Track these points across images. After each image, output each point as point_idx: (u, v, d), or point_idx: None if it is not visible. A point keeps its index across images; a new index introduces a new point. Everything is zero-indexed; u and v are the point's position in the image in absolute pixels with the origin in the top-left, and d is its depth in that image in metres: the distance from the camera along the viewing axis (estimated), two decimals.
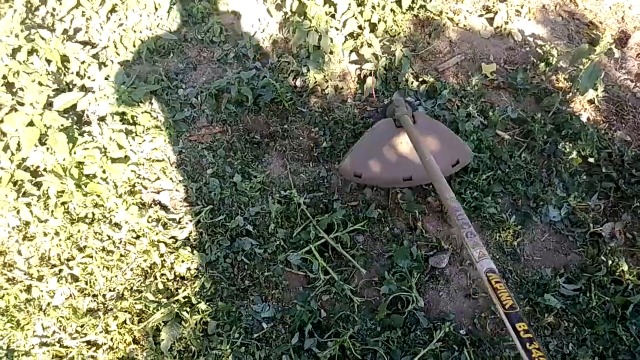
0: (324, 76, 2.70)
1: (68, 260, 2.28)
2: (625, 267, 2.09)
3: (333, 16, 2.79)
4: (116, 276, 2.24)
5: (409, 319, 2.05)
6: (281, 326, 2.09)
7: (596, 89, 2.56)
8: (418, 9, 2.92)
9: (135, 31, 2.90)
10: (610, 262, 2.12)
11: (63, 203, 2.34)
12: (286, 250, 2.24)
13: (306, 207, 2.33)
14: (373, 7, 2.76)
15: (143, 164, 2.54)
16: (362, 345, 1.99)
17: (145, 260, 2.26)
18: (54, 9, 3.13)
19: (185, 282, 2.22)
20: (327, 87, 2.73)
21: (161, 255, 2.27)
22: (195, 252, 2.28)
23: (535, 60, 2.80)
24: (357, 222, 2.29)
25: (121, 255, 2.28)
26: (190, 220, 2.39)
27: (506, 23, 2.94)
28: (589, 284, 2.08)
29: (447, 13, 2.96)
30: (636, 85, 2.66)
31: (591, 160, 2.38)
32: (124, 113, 2.58)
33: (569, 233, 2.25)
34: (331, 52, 2.78)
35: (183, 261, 2.26)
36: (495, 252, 2.23)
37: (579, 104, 2.60)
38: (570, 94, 2.59)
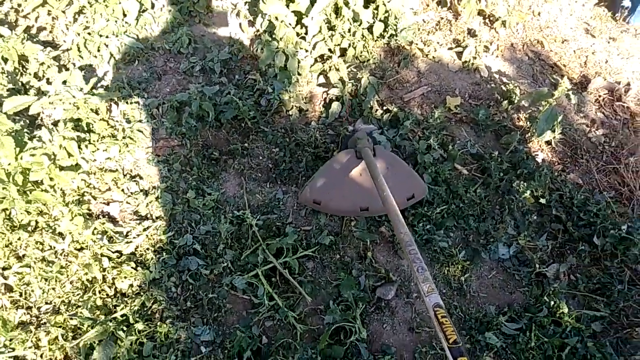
0: (289, 97, 2.68)
1: (4, 269, 2.18)
2: (566, 310, 2.11)
3: (304, 38, 2.78)
4: (54, 289, 2.16)
5: (350, 350, 2.02)
6: (220, 351, 2.03)
7: (554, 131, 2.61)
8: (389, 37, 2.94)
9: (100, 35, 2.84)
10: (552, 303, 2.14)
11: (4, 209, 2.25)
12: (233, 273, 2.20)
13: (258, 229, 2.30)
14: (343, 32, 2.76)
15: (95, 173, 2.47)
16: None
17: (86, 274, 2.18)
18: (19, 5, 3.05)
19: (126, 299, 2.15)
20: (292, 108, 2.71)
21: (103, 270, 2.20)
22: (139, 268, 2.21)
23: (499, 97, 2.85)
24: (309, 248, 2.27)
25: (61, 267, 2.20)
26: (138, 235, 2.32)
27: (474, 58, 2.98)
28: (530, 324, 2.09)
29: (417, 44, 2.99)
30: (591, 129, 2.72)
31: (543, 201, 2.42)
32: (79, 119, 2.51)
33: (516, 272, 2.27)
34: (299, 74, 2.78)
35: (125, 277, 2.19)
36: (443, 286, 2.23)
37: (536, 144, 2.64)
38: (529, 133, 2.64)
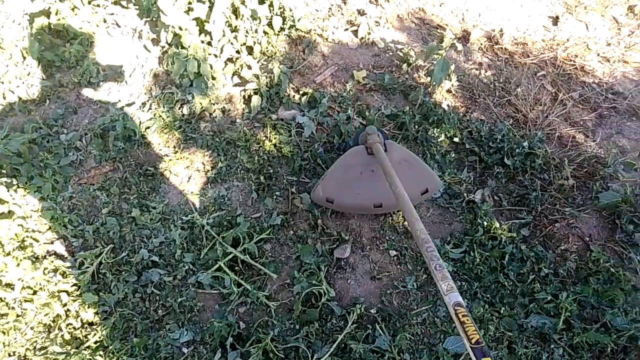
0: (209, 101, 2.79)
1: None
2: (497, 225, 2.41)
3: (210, 44, 2.91)
4: (15, 339, 2.10)
5: (324, 311, 2.17)
6: (202, 347, 2.09)
7: (450, 80, 2.94)
8: (289, 29, 3.14)
9: (3, 82, 2.78)
10: (485, 223, 2.43)
11: None
12: (196, 273, 2.26)
13: (211, 228, 2.38)
14: (246, 32, 2.92)
15: (31, 216, 2.42)
16: (283, 345, 2.06)
17: (46, 315, 2.15)
18: None
19: (95, 326, 2.14)
20: (215, 110, 2.82)
21: (64, 305, 2.17)
22: (101, 293, 2.21)
23: (398, 63, 3.14)
24: (263, 232, 2.39)
25: (18, 316, 2.15)
26: (92, 264, 2.31)
27: (369, 34, 3.27)
28: (471, 245, 2.36)
29: (315, 30, 3.22)
30: (481, 72, 3.10)
31: (456, 140, 2.72)
32: (1, 167, 2.45)
33: (449, 205, 2.54)
34: (213, 78, 2.89)
35: (89, 306, 2.18)
36: (390, 233, 2.44)
37: (439, 94, 2.96)
38: (431, 87, 2.96)
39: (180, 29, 2.68)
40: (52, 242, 2.39)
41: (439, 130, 2.73)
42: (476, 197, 2.54)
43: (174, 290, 2.24)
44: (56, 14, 2.94)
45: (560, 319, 2.13)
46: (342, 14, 3.44)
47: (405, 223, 2.47)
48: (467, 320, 1.20)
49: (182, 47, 2.75)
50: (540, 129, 2.82)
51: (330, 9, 3.46)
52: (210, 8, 2.70)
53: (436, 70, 2.71)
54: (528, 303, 2.22)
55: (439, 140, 2.72)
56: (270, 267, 2.29)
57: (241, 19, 2.85)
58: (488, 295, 2.23)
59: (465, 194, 2.54)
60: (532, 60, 3.22)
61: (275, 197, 2.54)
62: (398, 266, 2.35)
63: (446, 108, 2.88)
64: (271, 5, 3.00)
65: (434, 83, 2.81)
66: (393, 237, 2.44)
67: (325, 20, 3.39)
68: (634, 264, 2.31)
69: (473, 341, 1.15)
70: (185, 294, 2.22)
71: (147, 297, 2.22)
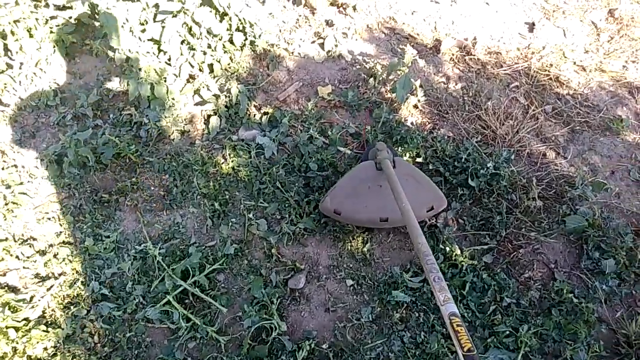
0: (167, 122, 2.72)
1: None
2: (459, 251, 2.32)
3: (169, 63, 2.83)
4: None
5: (274, 346, 2.11)
6: None
7: (417, 95, 2.84)
8: (251, 44, 3.05)
9: None
10: (447, 249, 2.35)
11: None
12: (146, 306, 2.21)
13: (162, 258, 2.32)
14: (204, 50, 2.84)
15: None
16: None
17: None
18: None
19: None
20: (173, 132, 2.75)
21: (12, 342, 2.13)
22: (50, 329, 2.18)
23: (365, 77, 3.04)
24: (216, 262, 2.33)
25: None
26: (43, 297, 2.27)
27: (336, 46, 3.17)
28: None
29: (279, 44, 3.13)
30: (449, 86, 2.99)
31: (420, 159, 2.63)
32: None
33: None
34: (173, 98, 2.82)
35: (37, 342, 2.14)
36: (349, 261, 2.37)
37: (405, 110, 2.86)
38: (396, 103, 2.86)
39: (130, 51, 2.60)
40: (4, 274, 2.36)
41: (402, 149, 2.64)
42: (439, 221, 2.45)
43: (123, 325, 2.19)
44: (12, 34, 2.87)
45: (519, 354, 2.05)
46: (310, 26, 3.33)
47: (365, 249, 2.39)
48: (461, 329, 1.29)
49: (136, 69, 2.67)
50: (509, 146, 2.72)
51: (297, 20, 3.36)
52: (163, 28, 2.62)
53: (398, 87, 2.61)
54: (487, 336, 2.14)
55: (402, 159, 2.62)
56: (222, 300, 2.24)
57: (197, 38, 2.76)
58: (445, 329, 2.16)
59: (427, 218, 2.45)
60: (505, 70, 3.10)
61: (231, 224, 2.47)
62: (354, 296, 2.28)
63: (410, 125, 2.79)
64: (230, 20, 2.91)
65: (398, 100, 2.71)
66: (351, 265, 2.36)
67: (292, 32, 3.29)
68: (599, 294, 2.22)
69: (465, 349, 1.23)
70: (135, 329, 2.17)
71: (95, 332, 2.18)
